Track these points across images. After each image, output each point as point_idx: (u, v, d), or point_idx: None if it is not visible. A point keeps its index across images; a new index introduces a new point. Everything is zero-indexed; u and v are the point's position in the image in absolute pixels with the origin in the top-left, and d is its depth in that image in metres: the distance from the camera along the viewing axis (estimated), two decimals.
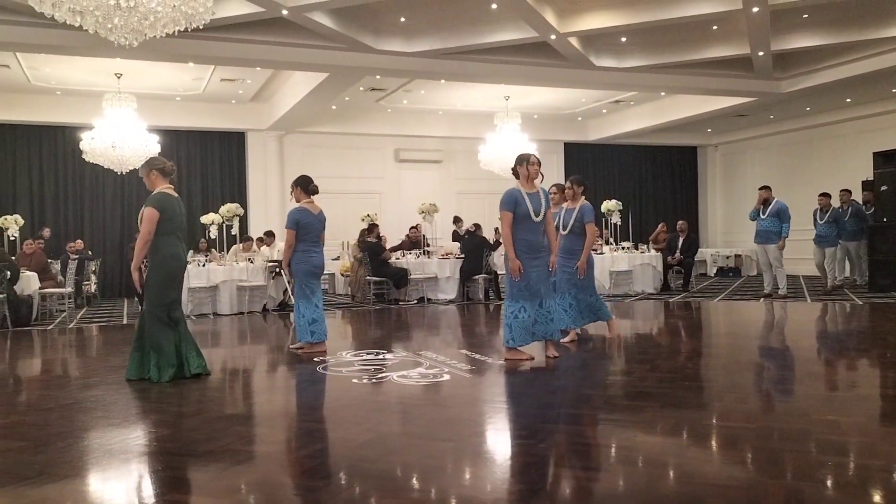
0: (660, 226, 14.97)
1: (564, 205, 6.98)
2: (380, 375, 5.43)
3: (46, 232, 13.49)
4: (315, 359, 6.26)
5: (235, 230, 11.72)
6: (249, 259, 11.37)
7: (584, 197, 6.96)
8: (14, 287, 9.45)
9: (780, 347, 7.05)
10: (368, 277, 11.83)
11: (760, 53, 11.54)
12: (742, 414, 4.06)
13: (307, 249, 6.68)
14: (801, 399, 4.62)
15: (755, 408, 4.26)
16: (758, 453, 3.34)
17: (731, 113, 15.95)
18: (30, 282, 10.11)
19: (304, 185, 6.79)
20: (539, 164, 5.91)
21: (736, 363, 5.86)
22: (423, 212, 12.93)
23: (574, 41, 10.89)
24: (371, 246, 11.81)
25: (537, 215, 5.75)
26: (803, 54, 12.35)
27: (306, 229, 6.65)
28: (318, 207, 6.83)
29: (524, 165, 5.84)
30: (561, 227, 6.85)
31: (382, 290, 12.09)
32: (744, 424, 3.82)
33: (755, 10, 9.60)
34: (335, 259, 14.84)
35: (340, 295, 13.89)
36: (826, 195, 12.00)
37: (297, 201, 6.80)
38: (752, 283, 14.75)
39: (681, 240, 13.32)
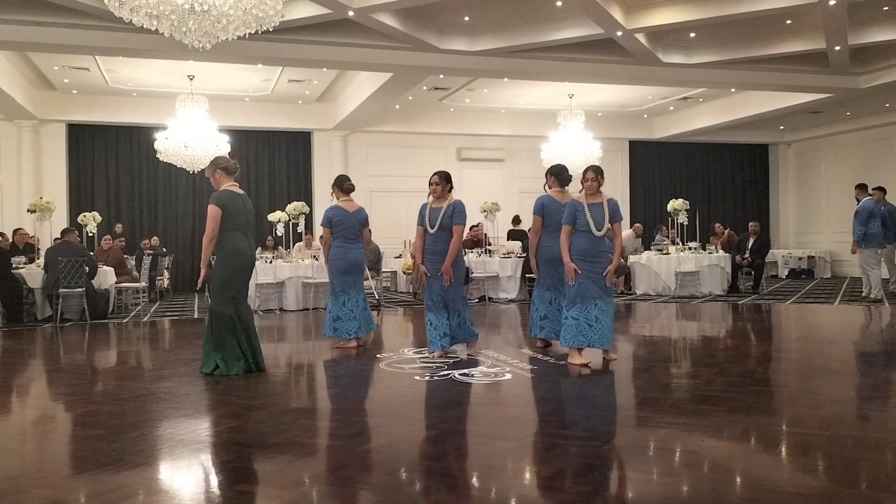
0: (726, 231, 14.55)
1: (430, 201, 6.37)
2: (441, 373, 5.46)
3: (119, 227, 14.05)
4: (377, 355, 6.35)
5: (301, 228, 11.96)
6: (314, 256, 11.58)
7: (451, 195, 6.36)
8: (92, 281, 9.86)
9: (857, 353, 6.79)
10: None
11: (837, 48, 11.12)
12: (815, 420, 3.93)
13: (341, 245, 6.86)
14: (878, 406, 4.44)
15: (829, 414, 4.10)
16: (831, 461, 3.23)
17: (805, 109, 15.41)
18: (107, 276, 10.53)
19: (340, 184, 6.99)
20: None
21: (809, 368, 5.66)
22: (484, 211, 12.90)
23: (641, 37, 10.71)
24: None
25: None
26: (883, 48, 11.83)
27: (340, 226, 6.84)
28: (356, 205, 6.98)
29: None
30: (428, 225, 6.34)
31: None
32: (817, 431, 3.70)
33: (832, 2, 9.26)
34: (397, 257, 14.97)
35: (402, 293, 14.00)
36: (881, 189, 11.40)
37: (338, 199, 6.99)
38: (825, 285, 14.24)
39: (751, 240, 12.95)
